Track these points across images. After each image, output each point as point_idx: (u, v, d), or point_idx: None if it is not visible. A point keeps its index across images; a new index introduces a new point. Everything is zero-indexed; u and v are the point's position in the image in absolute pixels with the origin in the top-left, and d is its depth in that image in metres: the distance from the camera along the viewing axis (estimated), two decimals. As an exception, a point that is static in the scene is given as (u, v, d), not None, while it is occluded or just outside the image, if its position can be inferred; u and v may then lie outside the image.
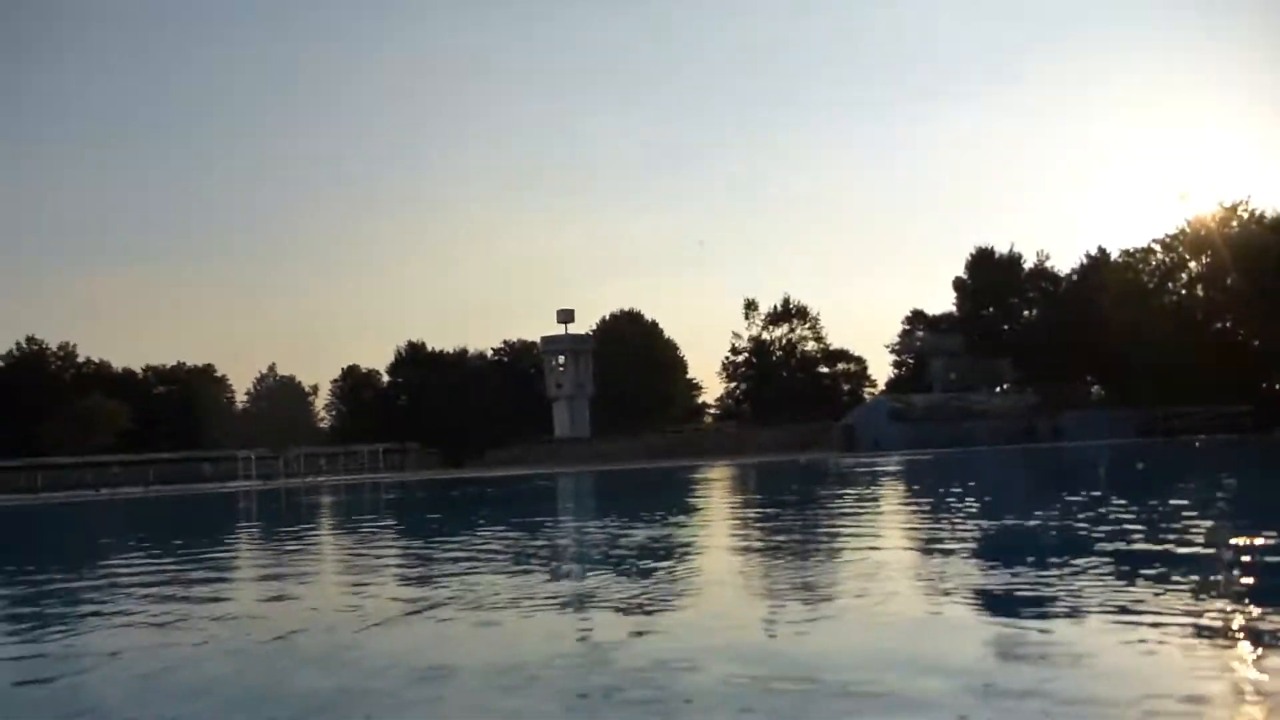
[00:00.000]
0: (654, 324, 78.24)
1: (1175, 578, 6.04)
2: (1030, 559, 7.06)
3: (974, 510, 12.52)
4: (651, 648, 4.85)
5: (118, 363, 75.39)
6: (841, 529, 11.09)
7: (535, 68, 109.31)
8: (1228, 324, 60.88)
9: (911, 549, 9.00)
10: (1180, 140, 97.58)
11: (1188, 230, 61.90)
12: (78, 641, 5.93)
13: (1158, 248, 63.75)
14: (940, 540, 9.21)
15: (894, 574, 6.99)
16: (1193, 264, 62.65)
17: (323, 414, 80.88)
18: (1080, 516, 10.10)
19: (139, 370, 76.03)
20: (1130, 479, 19.53)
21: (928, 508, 13.97)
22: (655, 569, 8.00)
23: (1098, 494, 14.19)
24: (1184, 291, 63.26)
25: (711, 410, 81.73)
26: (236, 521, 19.73)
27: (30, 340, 73.01)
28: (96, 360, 74.70)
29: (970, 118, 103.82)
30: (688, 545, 10.36)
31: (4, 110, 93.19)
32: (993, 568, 7.11)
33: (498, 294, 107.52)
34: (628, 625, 5.50)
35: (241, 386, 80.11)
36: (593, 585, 7.12)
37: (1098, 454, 32.10)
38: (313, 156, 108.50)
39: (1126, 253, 65.45)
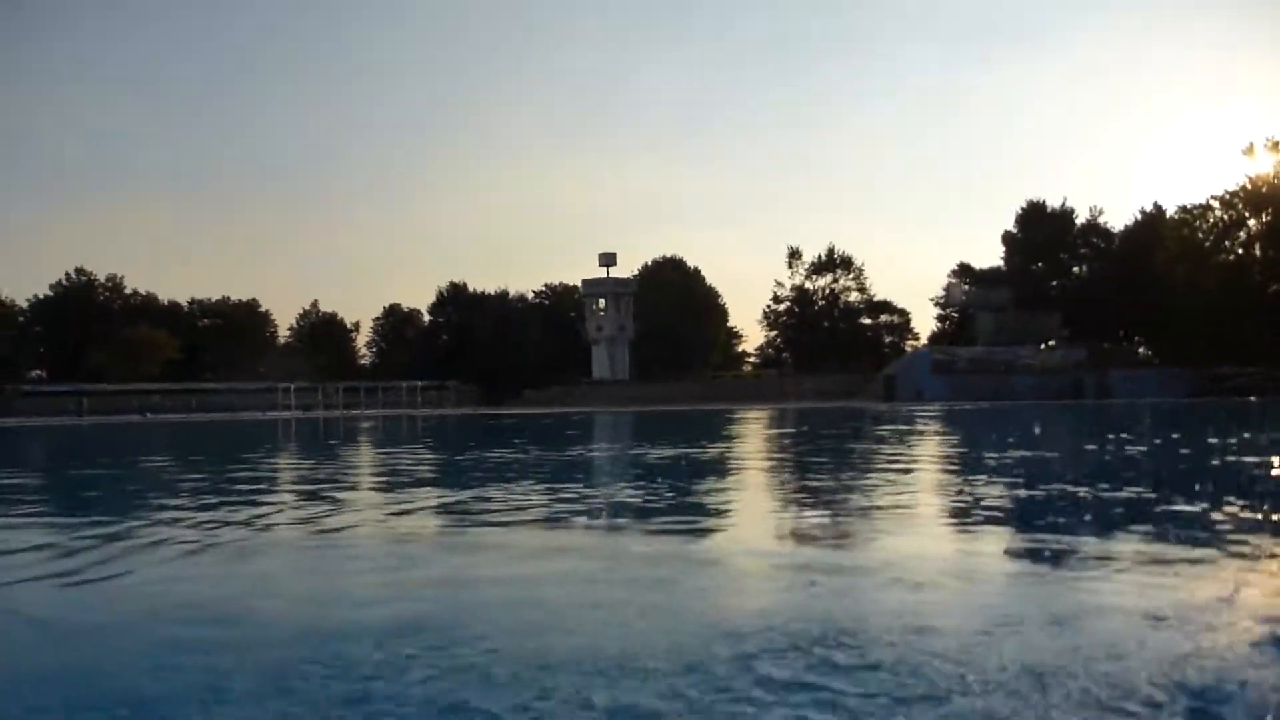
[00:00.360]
0: (696, 271, 77.74)
1: None
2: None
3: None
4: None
5: (164, 295, 76.27)
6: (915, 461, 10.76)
7: (584, 14, 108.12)
8: (1286, 284, 59.27)
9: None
10: (1245, 94, 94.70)
11: (1249, 187, 60.08)
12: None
13: (1216, 205, 61.81)
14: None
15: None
16: (1252, 222, 60.84)
17: (364, 351, 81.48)
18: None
19: (185, 303, 76.81)
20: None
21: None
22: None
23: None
24: (1241, 250, 61.58)
25: (751, 359, 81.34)
26: (275, 442, 19.84)
27: (79, 271, 74.03)
28: (144, 292, 75.56)
29: (1024, 68, 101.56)
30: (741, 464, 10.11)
31: (55, 42, 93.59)
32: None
33: (541, 237, 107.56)
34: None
35: (285, 322, 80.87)
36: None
37: (1175, 410, 31.13)
38: (359, 93, 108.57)
39: (1183, 209, 63.58)
